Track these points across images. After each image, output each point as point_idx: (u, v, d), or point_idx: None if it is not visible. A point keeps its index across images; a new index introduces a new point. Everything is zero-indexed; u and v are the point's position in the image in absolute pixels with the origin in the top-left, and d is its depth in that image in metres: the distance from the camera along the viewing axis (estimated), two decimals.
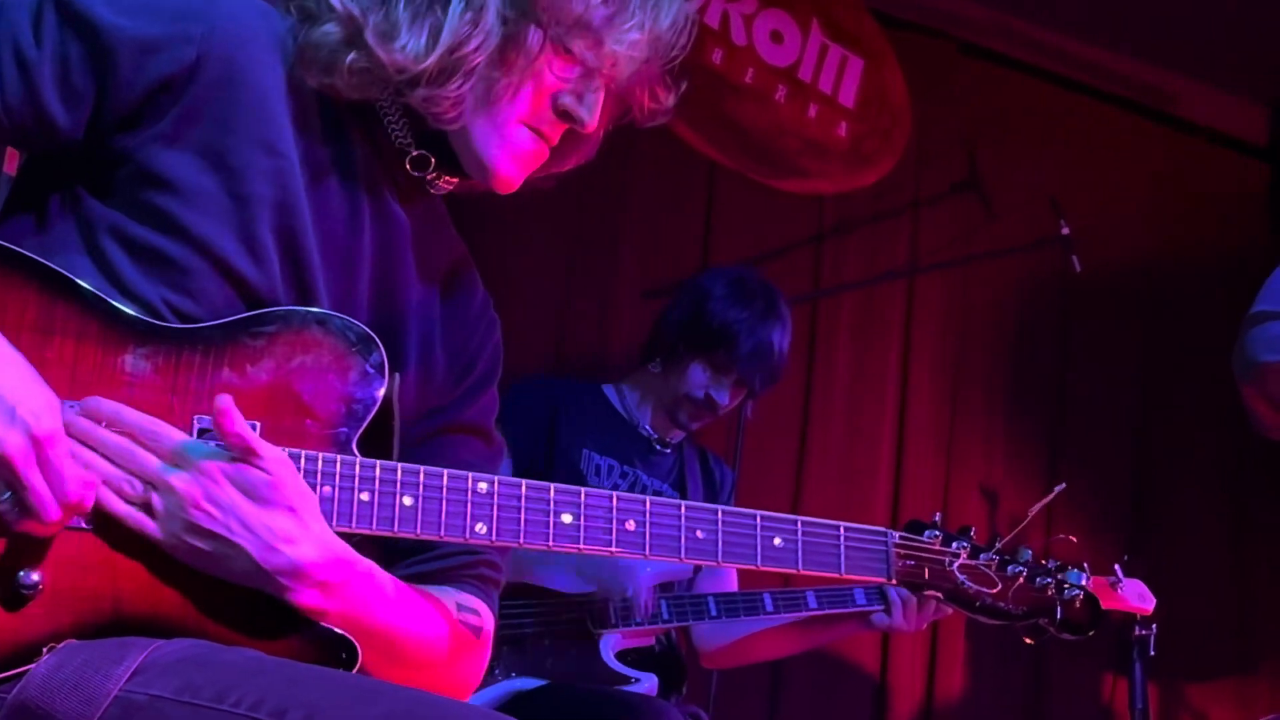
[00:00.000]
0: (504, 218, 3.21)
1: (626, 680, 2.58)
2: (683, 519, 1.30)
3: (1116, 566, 2.26)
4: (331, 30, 1.16)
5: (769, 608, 2.43)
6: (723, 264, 3.19)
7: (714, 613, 2.57)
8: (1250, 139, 4.13)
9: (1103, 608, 2.16)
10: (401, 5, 1.18)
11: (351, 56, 1.15)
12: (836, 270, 3.59)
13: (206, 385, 1.12)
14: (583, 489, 1.26)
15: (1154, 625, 3.14)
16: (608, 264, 3.35)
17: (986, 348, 3.74)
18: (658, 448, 2.75)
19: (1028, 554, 1.48)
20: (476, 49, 1.18)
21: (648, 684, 2.59)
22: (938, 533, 1.44)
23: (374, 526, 1.14)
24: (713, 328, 2.58)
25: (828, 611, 2.51)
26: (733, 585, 2.63)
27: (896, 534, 1.42)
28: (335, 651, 1.12)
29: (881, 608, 2.37)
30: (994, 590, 1.44)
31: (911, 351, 3.67)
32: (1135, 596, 2.39)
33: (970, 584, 1.44)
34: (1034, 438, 3.73)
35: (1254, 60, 3.84)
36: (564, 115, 1.25)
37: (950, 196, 3.59)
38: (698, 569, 2.55)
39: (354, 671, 1.12)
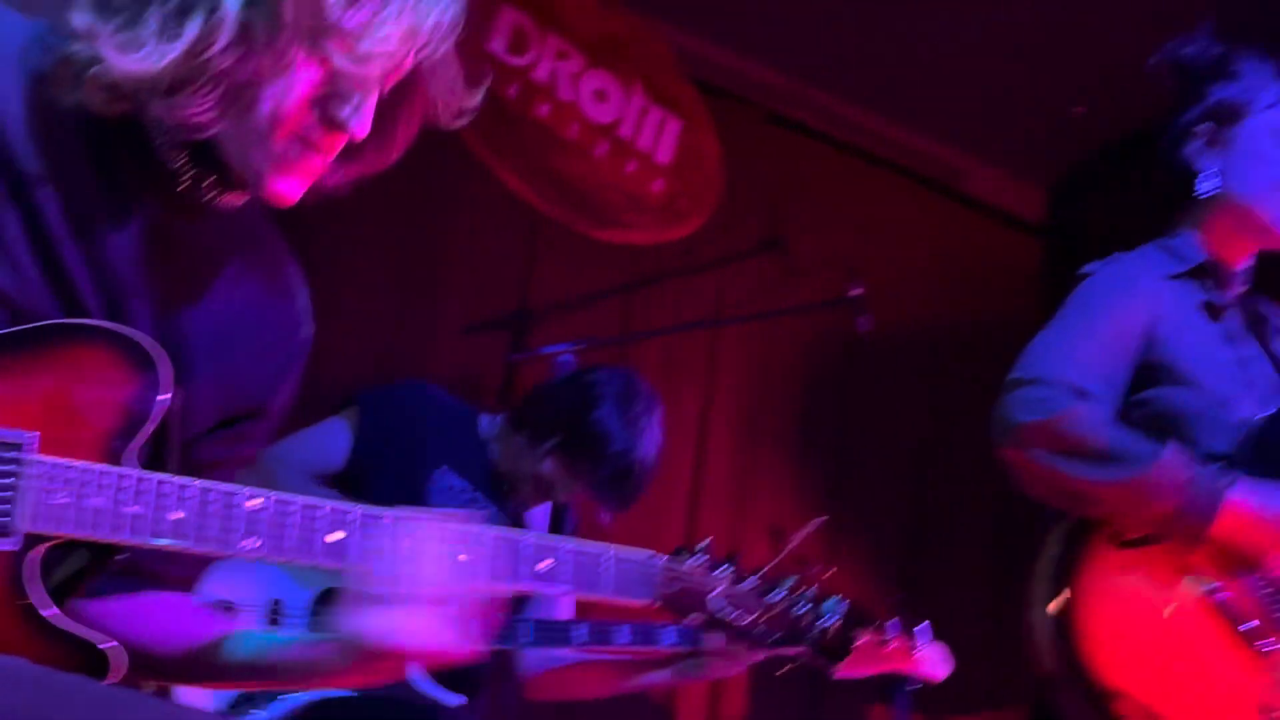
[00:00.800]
0: (331, 252, 3.39)
1: (424, 697, 2.64)
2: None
3: (918, 629, 2.30)
4: (76, 47, 1.18)
5: (583, 637, 2.48)
6: (542, 304, 3.47)
7: (529, 638, 2.62)
8: (1028, 218, 4.62)
9: (900, 669, 2.31)
10: (149, 18, 1.18)
11: (94, 70, 1.16)
12: (645, 318, 3.88)
13: None
14: (354, 506, 1.30)
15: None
16: (429, 303, 3.56)
17: (780, 398, 4.10)
18: (505, 487, 2.88)
19: (789, 582, 1.60)
20: (218, 53, 1.17)
21: (452, 700, 2.65)
22: (704, 558, 1.54)
23: (147, 539, 1.19)
24: (587, 438, 2.62)
25: (640, 648, 2.57)
26: (566, 614, 2.69)
27: (663, 558, 1.50)
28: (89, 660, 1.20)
29: (694, 653, 2.48)
30: (752, 617, 1.53)
31: (712, 399, 3.99)
32: (931, 662, 2.39)
33: (730, 609, 1.53)
34: (817, 480, 4.10)
35: (1035, 145, 4.33)
36: (330, 123, 1.24)
37: (754, 255, 3.93)
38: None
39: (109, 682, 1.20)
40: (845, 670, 2.09)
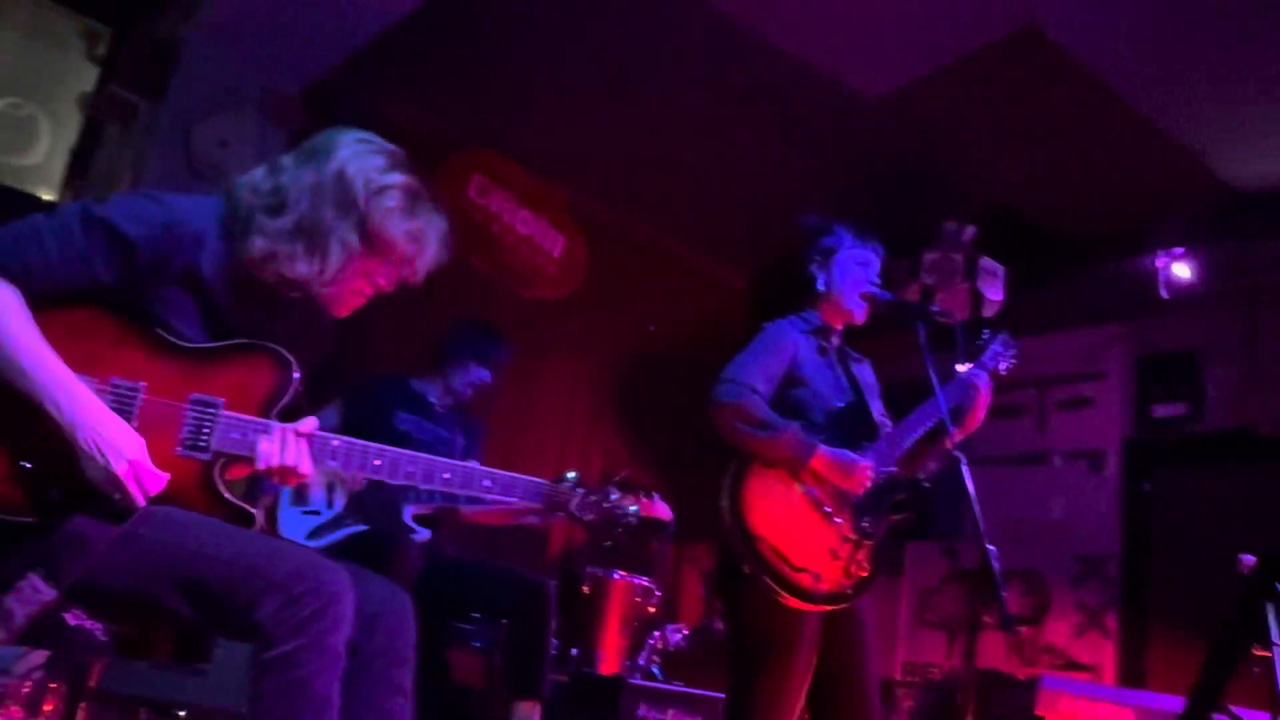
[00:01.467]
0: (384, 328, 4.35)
1: (412, 531, 3.47)
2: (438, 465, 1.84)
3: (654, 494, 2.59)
4: (256, 244, 1.83)
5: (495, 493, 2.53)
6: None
7: (461, 501, 3.46)
8: (740, 289, 6.46)
9: (647, 515, 2.53)
10: (302, 248, 1.80)
11: (273, 268, 1.83)
12: (537, 339, 5.55)
13: (202, 376, 1.78)
14: (412, 453, 1.89)
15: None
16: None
17: (615, 393, 5.95)
18: (438, 410, 3.71)
19: (614, 492, 2.02)
20: (330, 264, 1.81)
21: (423, 535, 3.45)
22: (569, 483, 1.99)
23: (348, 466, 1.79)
24: (483, 342, 3.65)
25: (503, 504, 3.20)
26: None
27: (548, 482, 1.97)
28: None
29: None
30: (592, 516, 2.00)
31: (576, 384, 5.81)
32: (663, 509, 2.48)
33: (583, 511, 1.99)
34: (641, 442, 5.94)
35: (743, 246, 6.10)
36: (377, 289, 1.90)
37: (594, 309, 5.93)
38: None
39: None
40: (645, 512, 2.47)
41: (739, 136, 5.16)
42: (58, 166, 4.35)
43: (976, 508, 2.34)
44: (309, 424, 1.89)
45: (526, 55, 4.76)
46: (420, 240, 1.95)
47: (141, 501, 1.75)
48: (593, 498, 2.01)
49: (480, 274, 5.49)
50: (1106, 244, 5.47)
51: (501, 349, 3.90)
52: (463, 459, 2.18)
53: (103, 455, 1.73)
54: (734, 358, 2.69)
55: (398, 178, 1.95)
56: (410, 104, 5.05)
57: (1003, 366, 2.99)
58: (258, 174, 1.96)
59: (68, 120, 4.41)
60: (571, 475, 2.03)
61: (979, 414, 2.83)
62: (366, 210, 1.89)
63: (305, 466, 1.86)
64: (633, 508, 2.00)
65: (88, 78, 4.42)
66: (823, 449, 2.60)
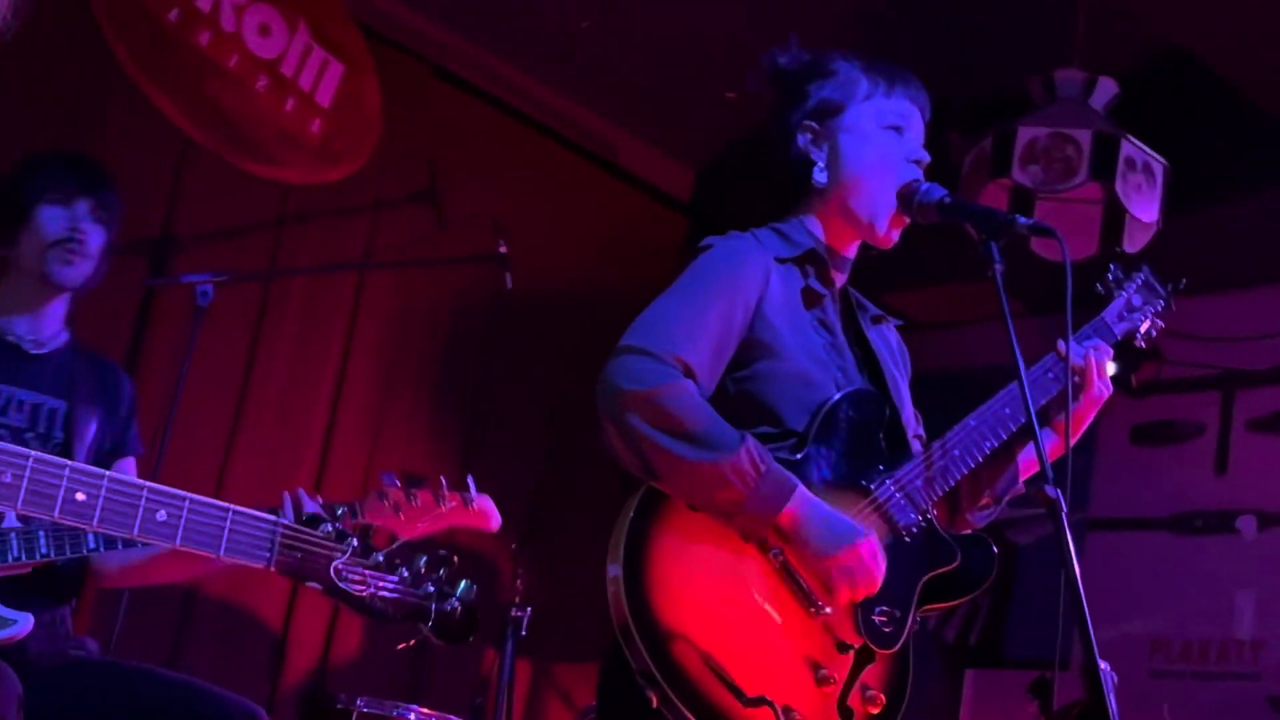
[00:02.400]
0: None
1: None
2: (65, 480, 1.74)
3: (470, 479, 2.92)
4: None
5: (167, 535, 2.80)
6: (186, 232, 4.62)
7: (92, 545, 3.09)
8: (677, 195, 6.12)
9: (459, 523, 2.88)
10: None
11: None
12: (293, 256, 5.08)
13: None
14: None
15: (529, 608, 4.77)
16: None
17: (423, 345, 5.41)
18: (33, 352, 3.38)
19: (421, 561, 2.02)
20: None
21: (23, 625, 3.09)
22: (333, 527, 1.95)
23: None
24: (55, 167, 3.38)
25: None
26: None
27: (285, 524, 1.91)
28: None
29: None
30: (369, 591, 1.95)
31: (354, 343, 5.25)
32: (485, 515, 2.97)
33: (349, 583, 1.94)
34: (454, 430, 5.46)
35: (688, 127, 5.81)
36: None
37: (407, 204, 5.27)
38: None
39: None
40: (408, 531, 2.72)
41: None
42: None
43: (1084, 600, 2.26)
44: None
45: None
46: None
47: None
48: (373, 563, 1.98)
49: (182, 132, 4.95)
50: None
51: (87, 169, 3.54)
52: (90, 451, 2.42)
53: None
54: (647, 308, 2.58)
55: None
56: None
57: (1142, 329, 3.08)
58: None
59: None
60: (342, 509, 2.12)
61: (1087, 416, 2.83)
62: None
63: None
64: (456, 594, 2.06)
65: None
66: (802, 499, 2.47)
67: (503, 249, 5.01)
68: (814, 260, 2.73)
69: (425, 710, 4.39)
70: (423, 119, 5.44)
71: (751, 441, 2.44)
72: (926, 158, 2.74)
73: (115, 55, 4.76)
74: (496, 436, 5.57)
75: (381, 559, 2.00)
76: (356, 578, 1.97)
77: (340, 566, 1.96)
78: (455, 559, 2.15)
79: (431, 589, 2.06)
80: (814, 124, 2.76)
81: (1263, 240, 5.85)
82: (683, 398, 2.46)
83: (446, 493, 2.68)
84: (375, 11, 5.39)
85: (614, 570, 2.43)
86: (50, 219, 3.36)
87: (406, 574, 2.04)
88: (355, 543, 1.98)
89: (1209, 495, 6.27)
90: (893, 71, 2.78)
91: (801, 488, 2.46)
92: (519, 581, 4.86)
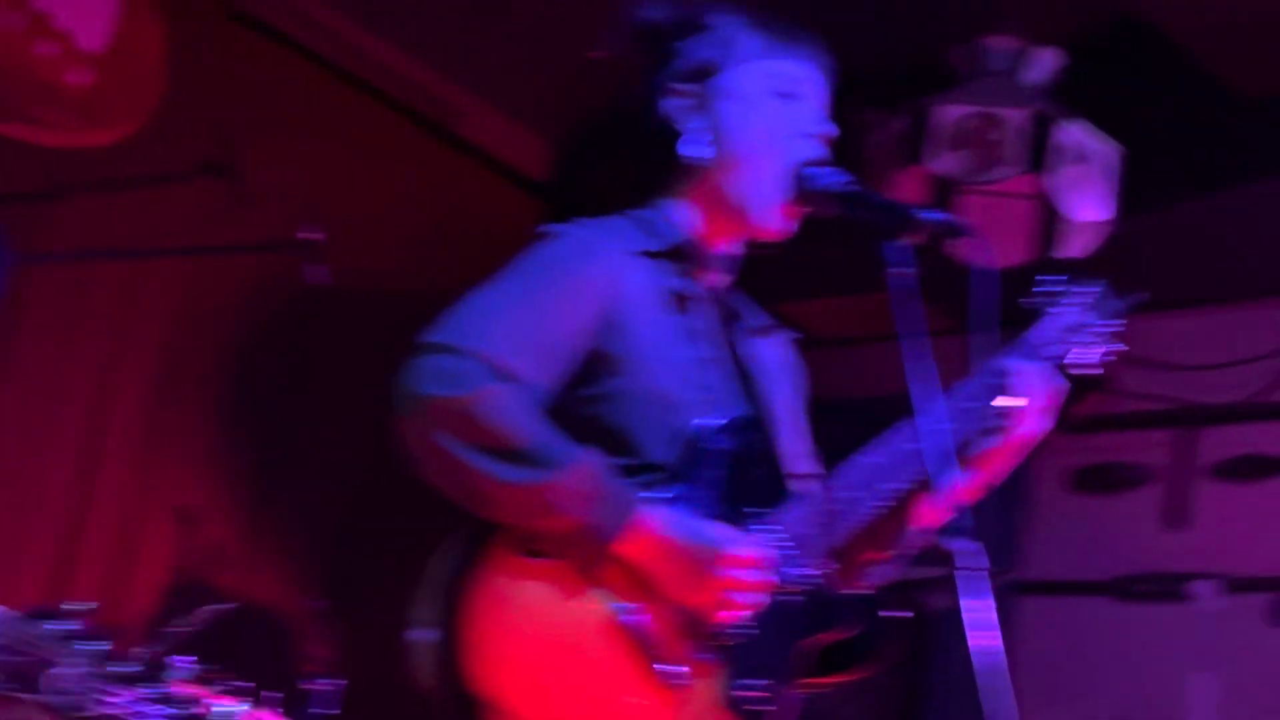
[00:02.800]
0: None
1: None
2: None
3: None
4: None
5: None
6: None
7: None
8: (530, 173, 6.05)
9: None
10: None
11: None
12: (50, 237, 4.85)
13: None
14: None
15: (337, 680, 4.57)
16: None
17: (212, 351, 5.22)
18: None
19: (172, 673, 2.06)
20: None
21: None
22: (70, 624, 1.95)
23: None
24: None
25: None
26: None
27: (10, 615, 1.91)
28: None
29: None
30: (114, 712, 1.94)
31: (125, 345, 5.05)
32: None
33: (78, 696, 1.93)
34: (250, 456, 5.28)
35: (547, 94, 5.72)
36: None
37: (195, 177, 5.02)
38: None
39: None
40: None
41: None
42: None
43: (1005, 677, 2.25)
44: None
45: None
46: None
47: None
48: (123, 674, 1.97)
49: None
50: None
51: None
52: None
53: None
54: (460, 300, 2.61)
55: None
56: None
57: (1078, 350, 3.04)
58: None
59: None
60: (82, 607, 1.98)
61: (1007, 455, 2.83)
62: None
63: None
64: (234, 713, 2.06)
65: None
66: (647, 514, 2.49)
67: (314, 235, 4.81)
68: (682, 256, 2.74)
69: None
70: (218, 71, 5.29)
71: (588, 456, 2.47)
72: (831, 130, 2.76)
73: None
74: (303, 463, 5.43)
75: (128, 669, 2.01)
76: (86, 691, 1.97)
77: (66, 674, 1.95)
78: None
79: (173, 709, 2.07)
80: (685, 87, 2.78)
81: (1231, 249, 5.90)
82: (499, 405, 2.46)
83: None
84: None
85: (422, 631, 2.48)
86: None
87: (149, 689, 2.04)
88: (104, 645, 1.98)
89: (1160, 554, 6.28)
90: (783, 29, 2.79)
91: (648, 507, 2.48)
92: (324, 647, 4.76)
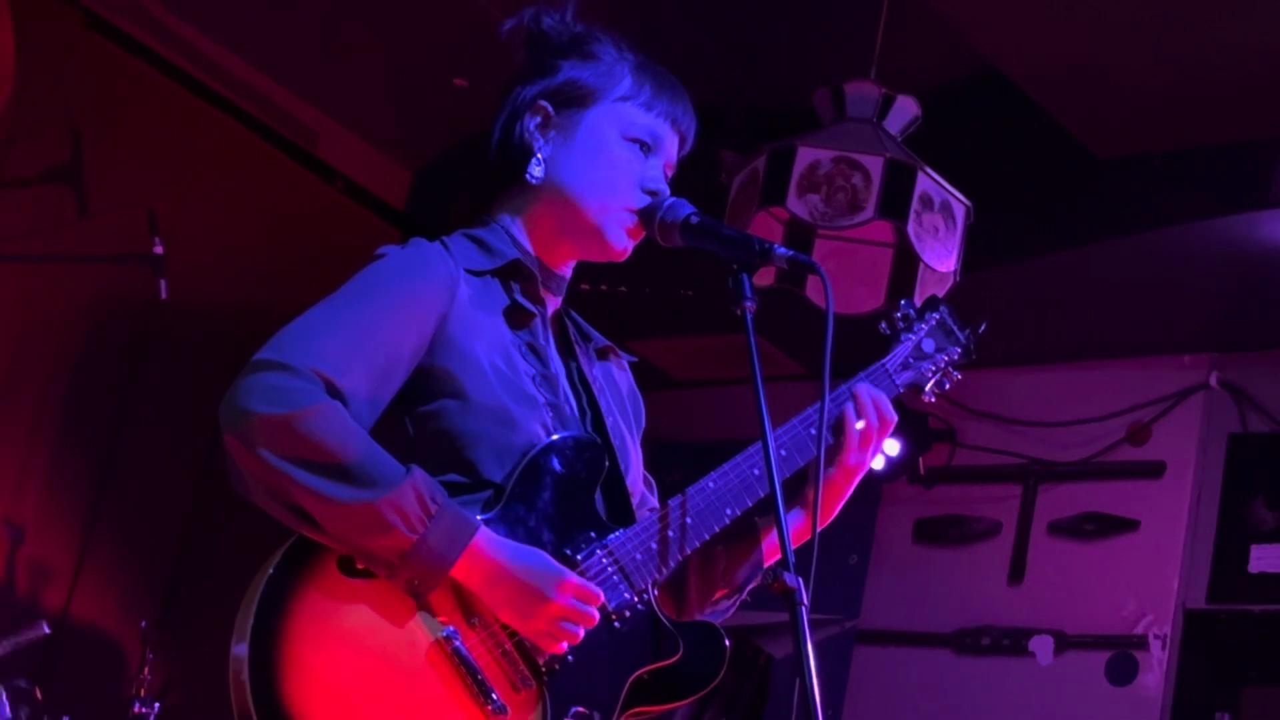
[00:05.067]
0: None
1: None
2: None
3: None
4: None
5: None
6: None
7: None
8: (388, 198, 6.01)
9: None
10: None
11: None
12: None
13: None
14: None
15: (157, 704, 4.58)
16: None
17: (47, 363, 5.10)
18: None
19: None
20: None
21: None
22: None
23: None
24: None
25: None
26: None
27: None
28: None
29: None
30: None
31: None
32: None
33: None
34: (81, 473, 5.18)
35: (408, 120, 5.67)
36: None
37: (40, 183, 4.97)
38: None
39: None
40: None
41: None
42: None
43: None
44: None
45: None
46: None
47: None
48: None
49: None
50: (1192, 166, 5.54)
51: None
52: None
53: None
54: (293, 319, 2.53)
55: None
56: None
57: (931, 382, 3.04)
58: None
59: None
60: None
61: (843, 486, 2.82)
62: None
63: None
64: None
65: None
66: (484, 537, 2.48)
67: (159, 248, 4.82)
68: (519, 274, 2.71)
69: None
70: (69, 77, 5.23)
71: (419, 474, 2.44)
72: (664, 190, 2.72)
73: None
74: (136, 482, 5.34)
75: None
76: None
77: None
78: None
79: None
80: (549, 106, 2.74)
81: (1079, 307, 5.94)
82: (329, 422, 2.42)
83: None
84: None
85: (239, 649, 2.39)
86: None
87: None
88: None
89: (1001, 609, 6.37)
90: (666, 83, 2.78)
91: (485, 530, 2.47)
92: (147, 669, 4.68)
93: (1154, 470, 6.32)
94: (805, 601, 2.30)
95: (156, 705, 4.63)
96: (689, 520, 2.67)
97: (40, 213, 5.06)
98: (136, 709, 4.62)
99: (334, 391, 2.43)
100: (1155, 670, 6.02)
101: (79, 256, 5.04)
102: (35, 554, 5.03)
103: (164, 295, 4.77)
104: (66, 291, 5.19)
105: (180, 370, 5.39)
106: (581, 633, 2.52)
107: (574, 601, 2.49)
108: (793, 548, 2.43)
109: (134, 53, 5.39)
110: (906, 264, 5.10)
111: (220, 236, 5.45)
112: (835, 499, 2.78)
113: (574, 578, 2.51)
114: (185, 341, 5.36)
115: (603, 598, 2.54)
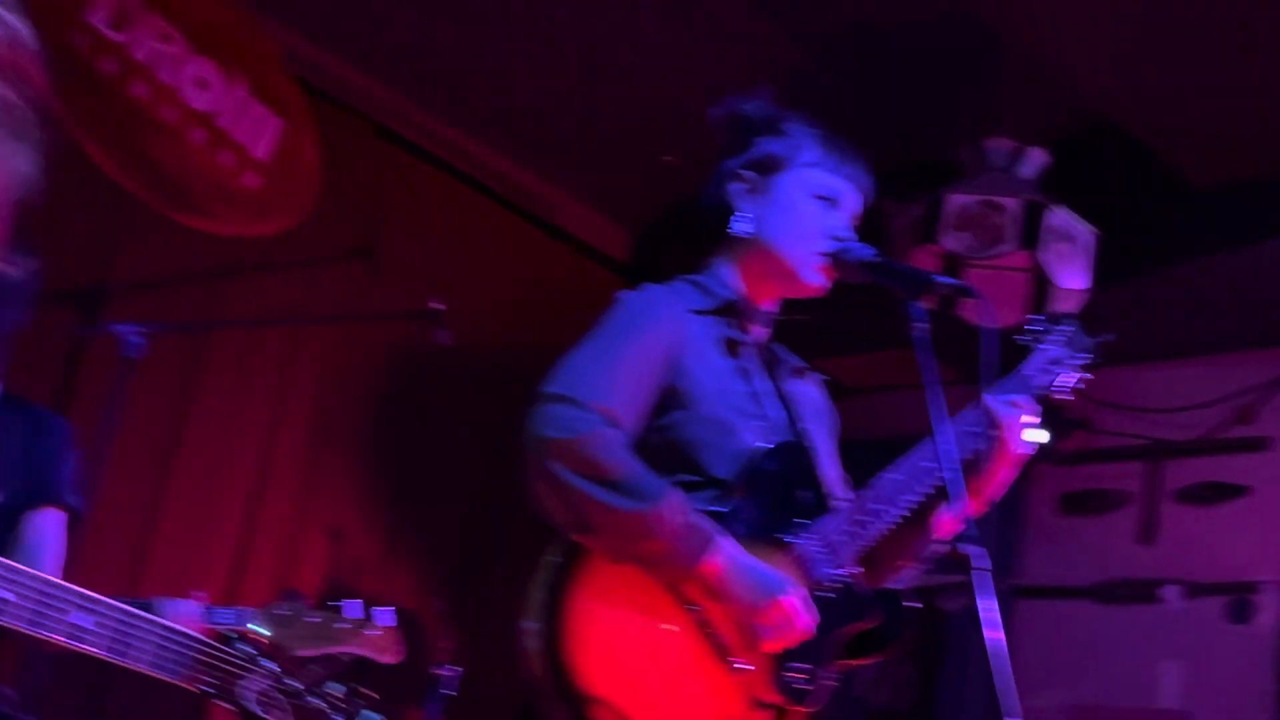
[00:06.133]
0: None
1: None
2: None
3: (375, 613, 2.81)
4: None
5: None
6: (118, 282, 4.50)
7: None
8: (613, 254, 6.09)
9: (351, 650, 2.79)
10: None
11: None
12: (224, 310, 4.96)
13: None
14: None
15: (455, 669, 4.58)
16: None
17: (357, 400, 5.30)
18: None
19: (339, 690, 2.08)
20: None
21: None
22: (249, 649, 1.99)
23: None
24: None
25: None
26: None
27: (204, 642, 1.95)
28: None
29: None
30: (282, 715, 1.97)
31: (285, 398, 5.13)
32: (381, 646, 2.88)
33: (257, 706, 1.96)
34: (386, 487, 5.33)
35: (626, 189, 5.79)
36: None
37: (342, 261, 5.13)
38: None
39: None
40: (304, 649, 2.66)
41: None
42: None
43: (1007, 666, 2.20)
44: None
45: None
46: None
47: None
48: (290, 689, 1.96)
49: (111, 177, 4.73)
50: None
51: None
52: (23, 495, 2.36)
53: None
54: (566, 356, 2.55)
55: None
56: None
57: (1062, 382, 2.93)
58: None
59: None
60: (256, 628, 2.24)
61: (1004, 470, 2.73)
62: None
63: None
64: None
65: None
66: (725, 549, 2.47)
67: (437, 306, 4.84)
68: (732, 311, 2.72)
69: None
70: (363, 176, 5.35)
71: (675, 492, 2.44)
72: (849, 237, 2.72)
73: (55, 106, 4.64)
74: (428, 494, 5.45)
75: (300, 685, 1.99)
76: (265, 702, 1.98)
77: (251, 688, 1.96)
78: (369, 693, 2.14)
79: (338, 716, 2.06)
80: (750, 174, 2.75)
81: (1189, 313, 5.82)
82: (608, 446, 2.45)
83: (347, 620, 2.58)
84: (317, 69, 5.31)
85: (531, 625, 2.40)
86: None
87: (318, 702, 2.03)
88: (275, 666, 1.98)
89: (1134, 564, 6.27)
90: (844, 150, 2.77)
91: (721, 539, 2.45)
92: (446, 641, 4.71)
93: (1260, 445, 6.15)
94: (987, 566, 2.27)
95: (454, 669, 4.65)
96: (876, 506, 2.65)
97: (345, 284, 5.21)
98: (439, 672, 4.65)
99: (609, 418, 2.46)
100: (1269, 611, 5.88)
101: (376, 315, 5.21)
102: (354, 553, 5.15)
103: (444, 343, 4.87)
104: (368, 344, 5.34)
105: (460, 399, 5.54)
106: (793, 637, 2.51)
107: (788, 612, 2.48)
108: (967, 523, 2.40)
109: (412, 152, 5.52)
110: (1042, 285, 5.04)
111: (485, 294, 5.54)
112: (1000, 480, 2.75)
113: (788, 592, 2.50)
114: (461, 378, 5.49)
115: (811, 620, 2.52)
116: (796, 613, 2.47)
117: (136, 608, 2.09)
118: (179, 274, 4.83)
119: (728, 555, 2.46)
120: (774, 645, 2.50)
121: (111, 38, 4.76)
